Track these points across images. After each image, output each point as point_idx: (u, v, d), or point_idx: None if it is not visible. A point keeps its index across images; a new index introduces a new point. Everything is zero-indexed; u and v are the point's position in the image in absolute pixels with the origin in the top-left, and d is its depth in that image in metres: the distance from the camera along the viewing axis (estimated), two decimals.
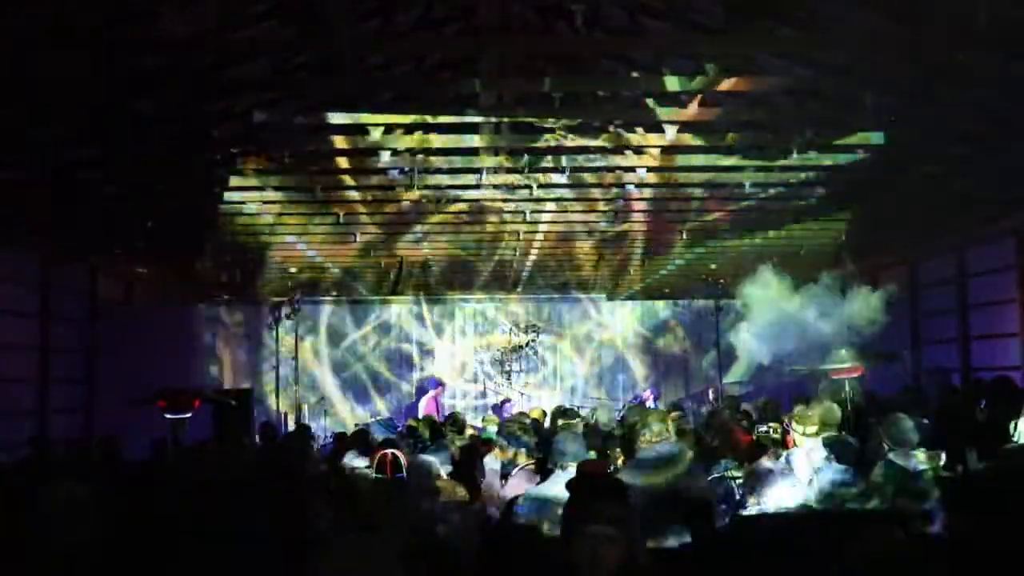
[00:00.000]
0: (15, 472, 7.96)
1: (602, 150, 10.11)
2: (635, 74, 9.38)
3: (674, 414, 9.56)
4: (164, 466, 8.02)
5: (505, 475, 6.07)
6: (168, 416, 9.16)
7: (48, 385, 12.70)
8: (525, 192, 10.90)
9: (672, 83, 8.17)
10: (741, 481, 5.92)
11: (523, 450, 6.10)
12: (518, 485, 5.51)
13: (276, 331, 15.41)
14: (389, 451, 6.95)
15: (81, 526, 3.75)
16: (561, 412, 9.16)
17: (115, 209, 11.23)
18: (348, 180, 10.54)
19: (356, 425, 13.86)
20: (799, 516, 4.48)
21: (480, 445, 7.84)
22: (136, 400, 9.78)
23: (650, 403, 13.70)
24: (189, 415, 9.25)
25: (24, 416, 11.98)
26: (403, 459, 6.88)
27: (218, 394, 12.74)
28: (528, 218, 12.20)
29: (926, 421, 6.81)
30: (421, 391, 16.10)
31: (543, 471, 5.66)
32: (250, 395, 14.59)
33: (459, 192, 11.07)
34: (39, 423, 12.21)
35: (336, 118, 8.70)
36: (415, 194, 10.74)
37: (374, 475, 6.40)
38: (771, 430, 7.00)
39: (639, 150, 10.18)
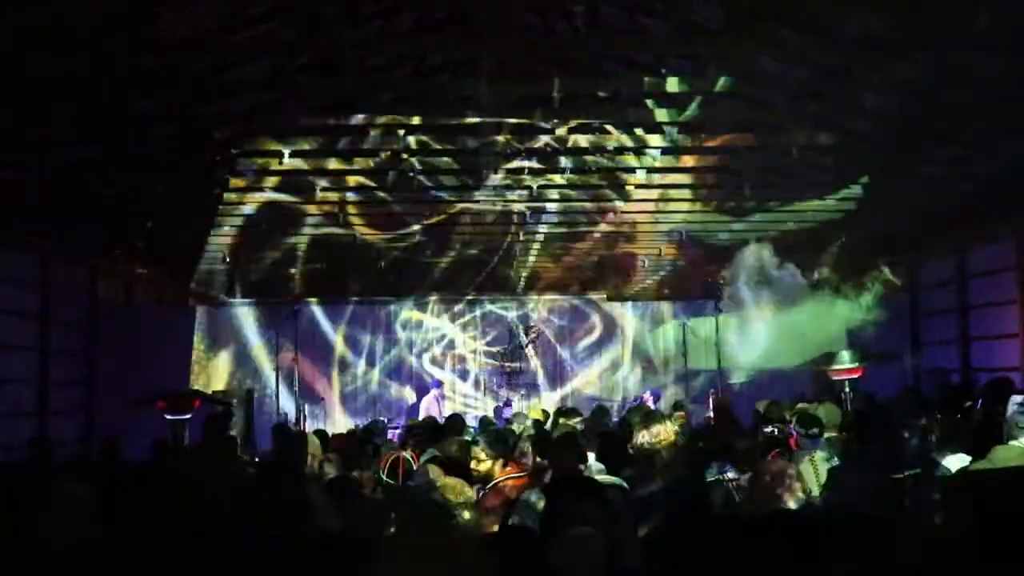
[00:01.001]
0: (15, 473, 7.96)
1: (601, 151, 10.15)
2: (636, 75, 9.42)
3: (676, 415, 9.59)
4: (164, 466, 8.01)
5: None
6: (168, 417, 9.16)
7: (48, 386, 12.69)
8: (525, 192, 10.92)
9: (672, 84, 8.20)
10: (737, 484, 5.93)
11: (500, 461, 5.94)
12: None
13: (276, 332, 15.41)
14: (402, 454, 6.90)
15: (81, 526, 3.75)
16: (562, 412, 9.15)
17: (115, 209, 11.23)
18: (350, 180, 10.56)
19: (356, 426, 13.86)
20: (800, 516, 4.47)
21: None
22: (136, 401, 9.77)
23: (651, 405, 13.68)
24: (189, 416, 9.25)
25: (24, 417, 11.96)
26: (414, 463, 6.81)
27: (219, 395, 12.74)
28: (528, 219, 12.22)
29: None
30: (422, 392, 16.10)
31: (537, 474, 5.60)
32: (251, 397, 14.59)
33: (459, 193, 11.08)
34: (39, 424, 12.19)
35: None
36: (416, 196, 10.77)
37: (386, 479, 6.37)
38: (775, 431, 6.98)
39: (639, 152, 10.21)
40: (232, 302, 16.81)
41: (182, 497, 4.57)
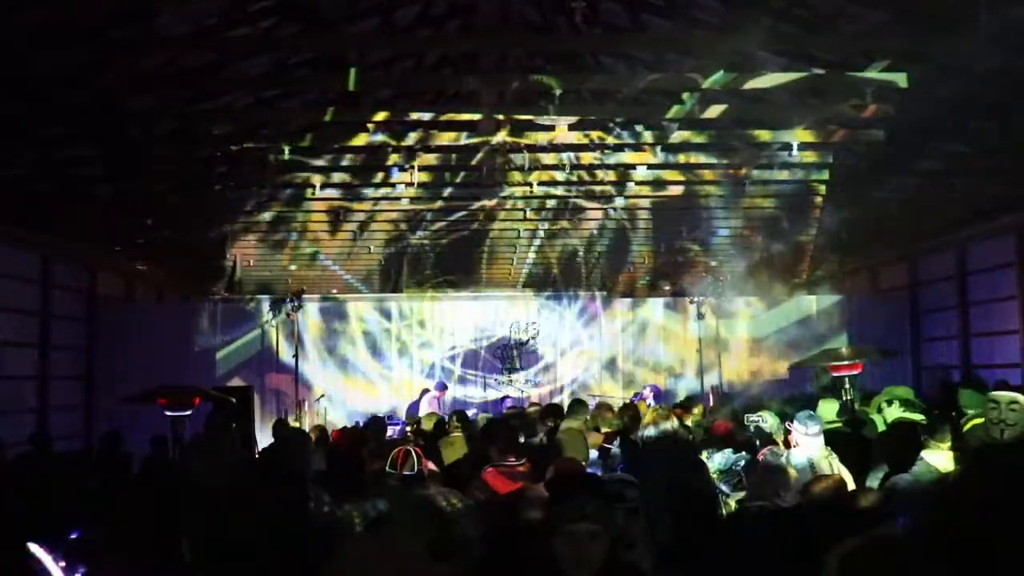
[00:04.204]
0: (16, 469, 7.96)
1: (601, 147, 10.15)
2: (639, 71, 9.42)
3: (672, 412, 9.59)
4: (165, 462, 8.02)
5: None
6: (168, 414, 9.16)
7: (48, 382, 12.71)
8: (525, 189, 10.92)
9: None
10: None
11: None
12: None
13: (276, 328, 15.42)
14: (403, 447, 6.90)
15: (86, 523, 3.76)
16: (552, 410, 9.16)
17: (115, 207, 11.23)
18: (348, 178, 10.57)
19: (356, 423, 13.86)
20: (798, 512, 4.48)
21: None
22: (136, 397, 9.78)
23: (650, 401, 13.66)
24: (189, 412, 9.26)
25: (24, 414, 11.98)
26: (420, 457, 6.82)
27: (218, 392, 12.73)
28: (528, 215, 12.23)
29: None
30: (423, 391, 16.07)
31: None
32: (251, 393, 14.60)
33: (458, 190, 11.08)
34: (39, 420, 12.21)
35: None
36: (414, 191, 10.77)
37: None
38: (761, 419, 6.98)
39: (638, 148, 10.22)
40: (232, 298, 16.81)
41: (183, 494, 4.58)
